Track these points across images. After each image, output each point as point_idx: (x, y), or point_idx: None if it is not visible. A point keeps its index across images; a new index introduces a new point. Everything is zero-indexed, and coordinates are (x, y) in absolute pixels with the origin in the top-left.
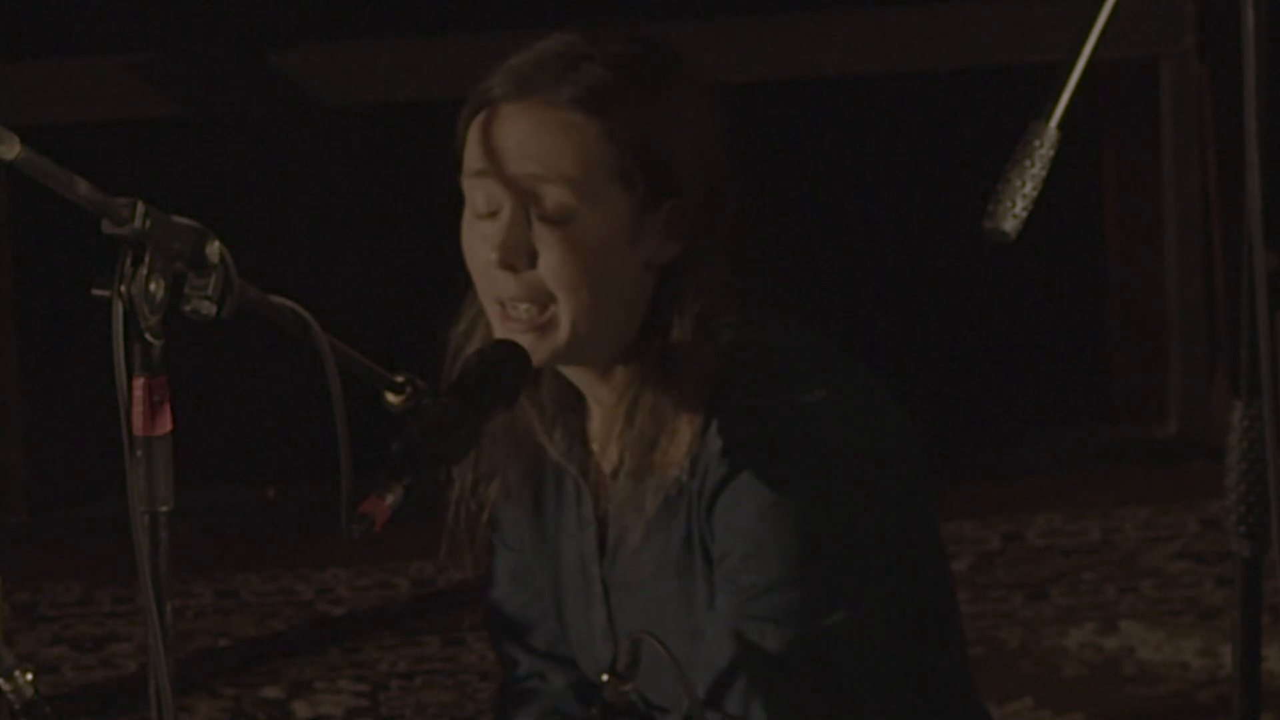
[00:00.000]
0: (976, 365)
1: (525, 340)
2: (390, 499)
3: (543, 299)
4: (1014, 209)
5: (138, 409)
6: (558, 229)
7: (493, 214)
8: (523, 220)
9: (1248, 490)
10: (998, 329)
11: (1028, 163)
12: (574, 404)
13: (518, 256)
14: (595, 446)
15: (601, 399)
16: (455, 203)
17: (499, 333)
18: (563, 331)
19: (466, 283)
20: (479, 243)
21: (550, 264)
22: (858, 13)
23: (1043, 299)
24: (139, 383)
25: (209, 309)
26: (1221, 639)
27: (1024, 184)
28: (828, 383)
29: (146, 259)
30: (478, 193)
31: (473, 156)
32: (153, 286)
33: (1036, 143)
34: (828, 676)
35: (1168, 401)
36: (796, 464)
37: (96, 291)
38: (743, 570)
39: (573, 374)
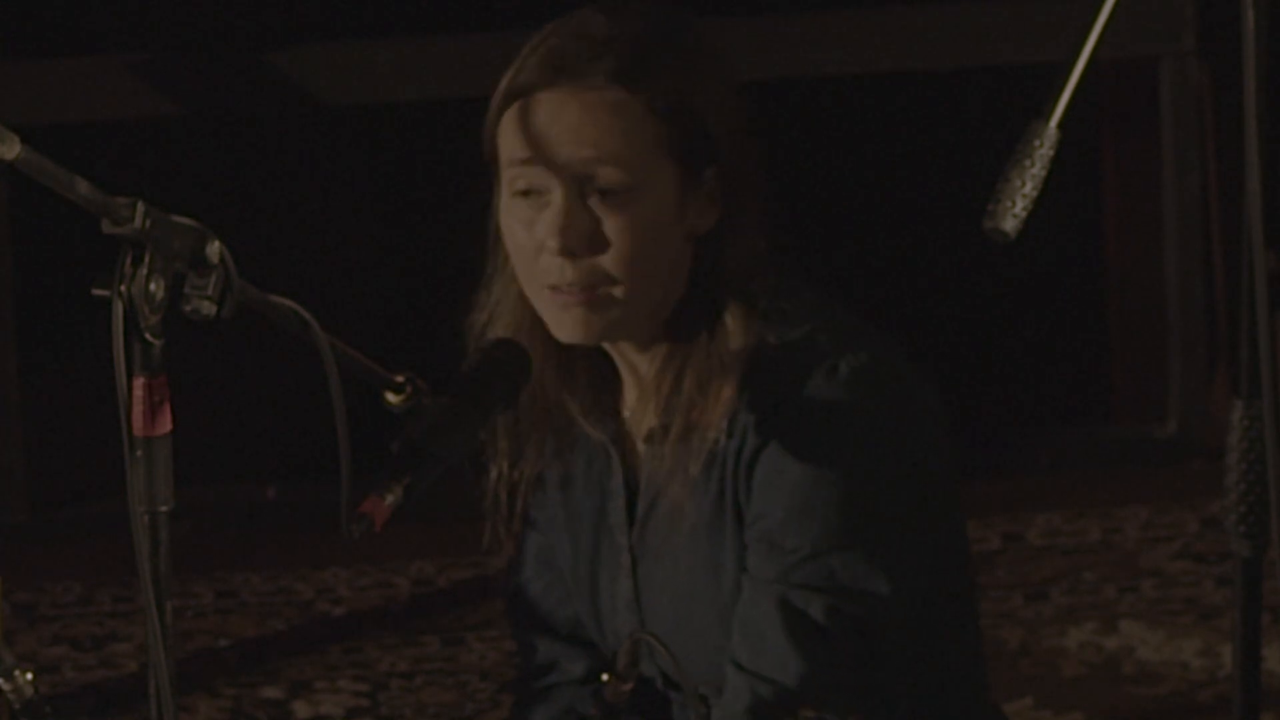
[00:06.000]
0: (976, 365)
1: (578, 315)
2: (390, 499)
3: (599, 282)
4: (1014, 209)
5: (138, 409)
6: (618, 210)
7: (535, 194)
8: (578, 205)
9: (1248, 490)
10: (998, 329)
11: (1028, 163)
12: (606, 378)
13: (578, 242)
14: (628, 416)
15: (638, 368)
16: (457, 202)
17: (548, 313)
18: (617, 308)
19: (481, 272)
20: (522, 226)
21: (615, 246)
22: (858, 13)
23: (1043, 299)
24: (139, 383)
25: (209, 309)
26: (1221, 639)
27: (1024, 184)
28: (866, 351)
29: (146, 259)
30: (519, 180)
31: (515, 146)
32: (153, 286)
33: (1036, 143)
34: (869, 646)
35: (1168, 401)
36: (839, 430)
37: (96, 291)
38: (785, 533)
39: (613, 348)
